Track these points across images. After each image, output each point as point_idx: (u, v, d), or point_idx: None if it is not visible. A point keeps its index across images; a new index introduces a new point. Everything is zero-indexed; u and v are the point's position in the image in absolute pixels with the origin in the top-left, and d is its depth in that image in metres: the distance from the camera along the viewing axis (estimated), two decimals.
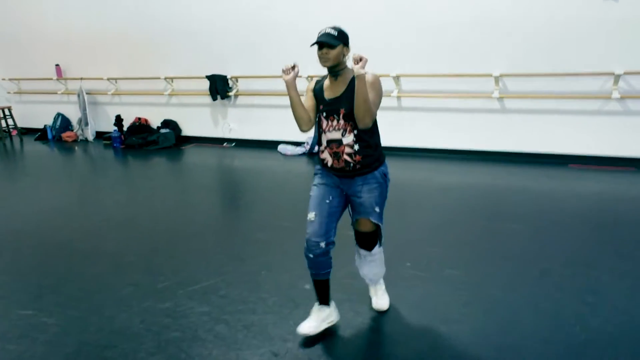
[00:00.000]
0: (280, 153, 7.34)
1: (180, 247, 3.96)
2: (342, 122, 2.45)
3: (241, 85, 7.73)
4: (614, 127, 5.88)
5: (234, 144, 8.04)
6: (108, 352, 2.53)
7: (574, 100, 5.95)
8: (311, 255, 2.48)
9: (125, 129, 8.51)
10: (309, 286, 3.06)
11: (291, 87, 2.49)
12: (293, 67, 2.51)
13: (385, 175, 2.57)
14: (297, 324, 2.60)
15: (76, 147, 8.55)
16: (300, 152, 7.24)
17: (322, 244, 2.47)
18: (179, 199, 5.46)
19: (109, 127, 8.91)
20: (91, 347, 2.58)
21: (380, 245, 2.72)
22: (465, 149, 6.61)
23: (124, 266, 3.60)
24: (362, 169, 2.49)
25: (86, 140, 9.01)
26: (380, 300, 2.84)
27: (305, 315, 2.66)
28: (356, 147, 2.46)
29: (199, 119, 8.23)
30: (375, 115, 2.41)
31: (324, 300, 2.60)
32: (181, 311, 2.91)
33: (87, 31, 8.64)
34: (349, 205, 2.64)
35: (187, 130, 8.38)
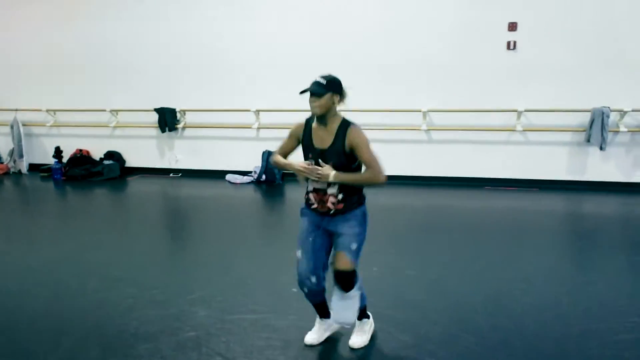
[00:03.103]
0: (229, 182, 7.76)
1: (163, 265, 4.30)
2: None
3: (189, 117, 8.11)
4: (519, 155, 7.06)
5: (180, 174, 8.32)
6: (135, 350, 2.84)
7: (486, 132, 7.06)
8: (305, 290, 2.76)
9: (64, 160, 8.46)
10: (295, 289, 3.59)
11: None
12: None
13: (364, 215, 2.67)
14: (297, 319, 3.13)
15: (6, 180, 8.34)
16: (248, 181, 7.71)
17: (313, 279, 2.69)
18: (143, 225, 5.70)
19: (44, 159, 8.81)
20: (115, 349, 2.88)
21: (358, 288, 2.69)
22: (398, 174, 7.47)
23: (113, 281, 3.86)
24: (343, 211, 2.62)
25: (19, 172, 8.79)
26: (355, 336, 2.87)
27: (299, 310, 3.19)
28: (340, 196, 2.58)
29: (144, 150, 8.43)
30: (379, 168, 2.51)
31: (324, 314, 2.90)
32: (187, 315, 3.27)
33: (22, 60, 8.61)
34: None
35: (132, 161, 8.53)
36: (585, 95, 6.66)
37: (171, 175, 8.34)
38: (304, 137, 2.70)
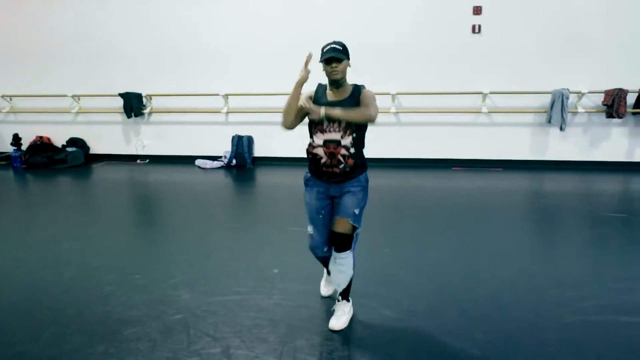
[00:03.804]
0: (199, 167, 7.67)
1: (140, 251, 4.26)
2: (343, 124, 2.65)
3: (155, 103, 7.92)
4: (485, 136, 7.28)
5: (147, 160, 8.16)
6: (122, 335, 2.82)
7: (453, 114, 7.24)
8: (318, 257, 2.95)
9: (24, 148, 8.14)
10: (277, 270, 3.65)
11: (302, 84, 2.67)
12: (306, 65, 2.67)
13: (367, 180, 2.85)
14: (282, 299, 3.20)
15: None
16: (218, 166, 7.64)
17: (325, 249, 2.87)
18: (114, 212, 5.58)
19: (1, 147, 8.45)
20: (100, 335, 2.84)
21: (351, 250, 2.81)
22: (368, 157, 7.56)
23: (90, 269, 3.79)
24: (350, 174, 2.74)
25: None
26: (335, 319, 2.87)
27: (283, 290, 3.33)
28: (352, 150, 2.70)
29: (109, 137, 8.21)
30: (374, 109, 2.62)
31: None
32: (171, 299, 3.26)
33: None
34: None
35: (96, 148, 8.29)
36: (546, 78, 6.92)
37: (138, 161, 8.16)
38: (316, 96, 2.77)
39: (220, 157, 7.77)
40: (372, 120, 2.64)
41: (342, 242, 2.77)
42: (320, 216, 2.83)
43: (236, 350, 2.66)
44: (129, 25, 7.71)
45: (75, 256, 4.09)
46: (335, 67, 2.61)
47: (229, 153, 7.63)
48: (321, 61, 2.64)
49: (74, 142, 8.13)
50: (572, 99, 6.94)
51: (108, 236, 4.68)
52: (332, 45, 2.62)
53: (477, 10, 6.95)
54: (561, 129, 6.92)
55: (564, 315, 2.96)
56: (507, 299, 3.18)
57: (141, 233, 4.91)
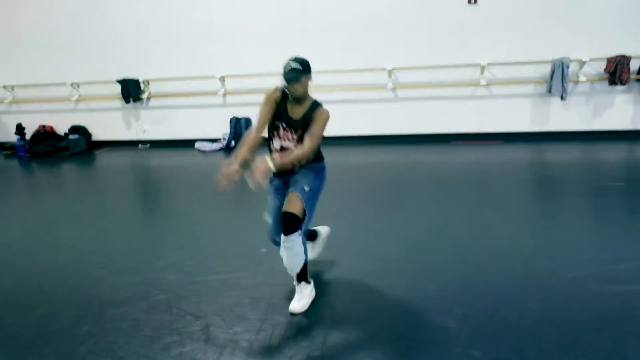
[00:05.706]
0: (198, 150, 7.71)
1: (134, 235, 4.33)
2: (297, 137, 2.81)
3: (153, 87, 7.94)
4: (484, 109, 7.17)
5: (148, 145, 8.22)
6: (107, 315, 2.89)
7: (451, 88, 7.13)
8: (277, 245, 2.90)
9: (27, 137, 8.25)
10: (264, 249, 3.67)
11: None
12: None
13: (322, 169, 2.95)
14: (266, 277, 3.25)
15: None
16: (217, 148, 7.67)
17: (277, 239, 2.86)
18: (113, 197, 5.66)
19: (5, 137, 8.59)
20: (87, 315, 2.91)
21: (299, 235, 2.74)
22: (366, 134, 7.53)
23: (84, 253, 3.87)
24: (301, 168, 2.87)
25: None
26: (295, 302, 2.86)
27: (268, 268, 3.35)
28: None
29: (110, 123, 8.28)
30: (313, 144, 2.72)
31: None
32: (157, 280, 3.30)
33: None
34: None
35: (98, 134, 8.37)
36: (546, 47, 6.75)
37: (139, 146, 8.23)
38: (280, 102, 2.87)
39: (219, 139, 7.79)
40: (307, 157, 2.73)
41: (290, 223, 2.70)
42: (276, 204, 2.92)
43: (216, 328, 2.71)
44: (122, 10, 7.68)
45: (70, 241, 4.18)
46: (294, 87, 2.71)
47: (228, 135, 7.65)
48: (284, 80, 2.73)
49: (76, 129, 8.21)
50: (573, 67, 6.77)
51: (104, 221, 4.75)
52: (292, 66, 2.68)
53: None
54: (562, 98, 6.78)
55: (547, 284, 2.94)
56: (492, 272, 3.16)
57: (137, 217, 4.98)
